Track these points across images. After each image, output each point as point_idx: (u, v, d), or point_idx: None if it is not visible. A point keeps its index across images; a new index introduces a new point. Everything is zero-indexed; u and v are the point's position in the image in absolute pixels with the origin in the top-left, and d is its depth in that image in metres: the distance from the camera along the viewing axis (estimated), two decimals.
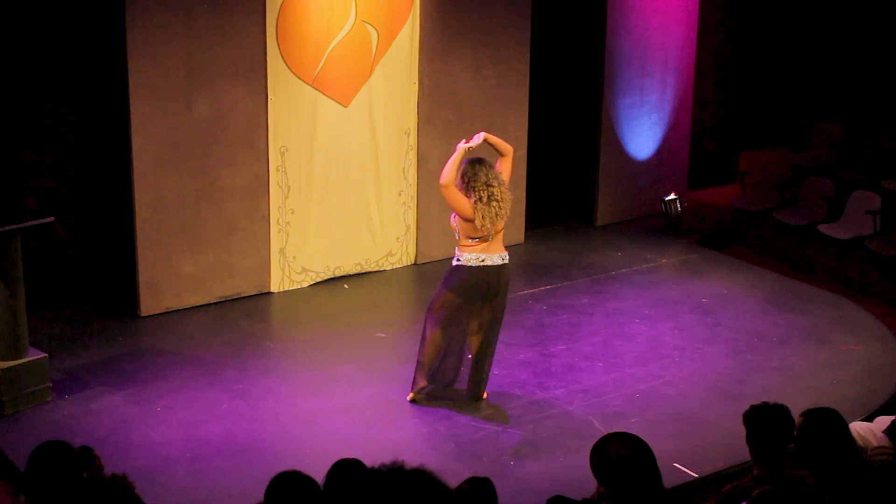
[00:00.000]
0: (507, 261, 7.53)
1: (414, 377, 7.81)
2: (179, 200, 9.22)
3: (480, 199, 7.26)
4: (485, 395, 7.86)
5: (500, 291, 7.54)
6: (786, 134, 13.16)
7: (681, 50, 12.06)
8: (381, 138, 10.11)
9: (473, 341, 7.69)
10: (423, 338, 7.68)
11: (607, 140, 11.79)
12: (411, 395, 7.81)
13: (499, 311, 7.63)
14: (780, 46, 13.36)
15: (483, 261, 7.40)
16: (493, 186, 7.29)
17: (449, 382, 7.84)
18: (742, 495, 4.56)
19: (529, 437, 7.38)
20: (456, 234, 7.51)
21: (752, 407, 4.72)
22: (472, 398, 7.80)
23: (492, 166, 7.42)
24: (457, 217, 7.40)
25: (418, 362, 7.75)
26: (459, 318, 7.58)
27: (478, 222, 7.29)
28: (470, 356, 7.76)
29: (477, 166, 7.35)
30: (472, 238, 7.38)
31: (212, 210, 9.41)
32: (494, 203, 7.28)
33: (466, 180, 7.32)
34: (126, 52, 8.73)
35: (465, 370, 7.83)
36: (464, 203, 7.30)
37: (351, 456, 4.56)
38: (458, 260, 7.46)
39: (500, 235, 7.47)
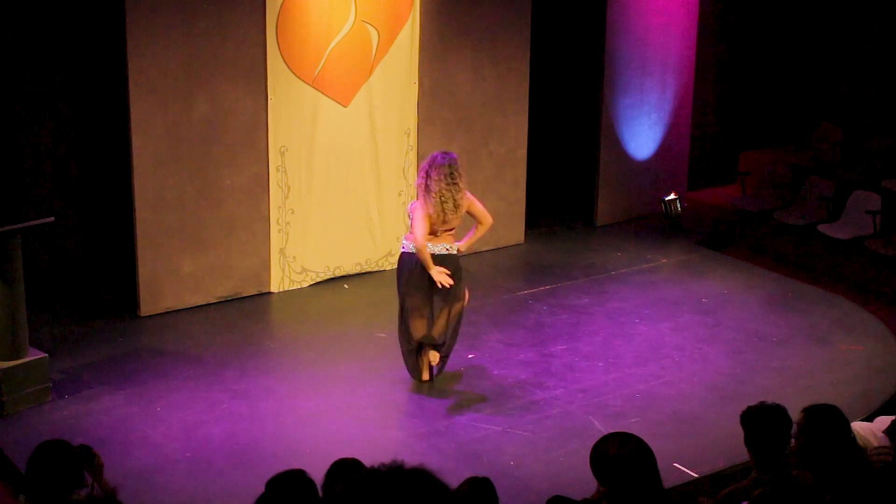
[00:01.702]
0: (451, 251, 7.76)
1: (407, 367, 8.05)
2: (179, 200, 9.22)
3: (429, 190, 7.55)
4: (434, 360, 7.97)
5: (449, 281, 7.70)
6: (786, 134, 13.16)
7: (681, 50, 12.06)
8: (381, 138, 10.11)
9: (431, 327, 7.82)
10: (399, 329, 7.96)
11: (607, 140, 11.79)
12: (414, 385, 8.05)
13: (452, 301, 7.80)
14: (781, 46, 13.36)
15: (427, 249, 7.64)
16: (440, 181, 7.54)
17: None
18: (741, 497, 4.56)
19: (529, 437, 7.39)
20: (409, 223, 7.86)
21: (750, 408, 4.71)
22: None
23: (450, 165, 7.61)
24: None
25: (403, 352, 8.01)
26: (412, 303, 7.77)
27: (430, 210, 7.56)
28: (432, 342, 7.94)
29: (436, 164, 7.60)
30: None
31: (212, 210, 9.41)
32: (435, 196, 7.53)
33: (424, 174, 7.64)
34: (126, 52, 8.73)
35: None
36: (420, 220, 7.58)
37: (351, 456, 4.56)
38: (403, 247, 7.82)
39: (452, 232, 7.73)
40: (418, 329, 7.81)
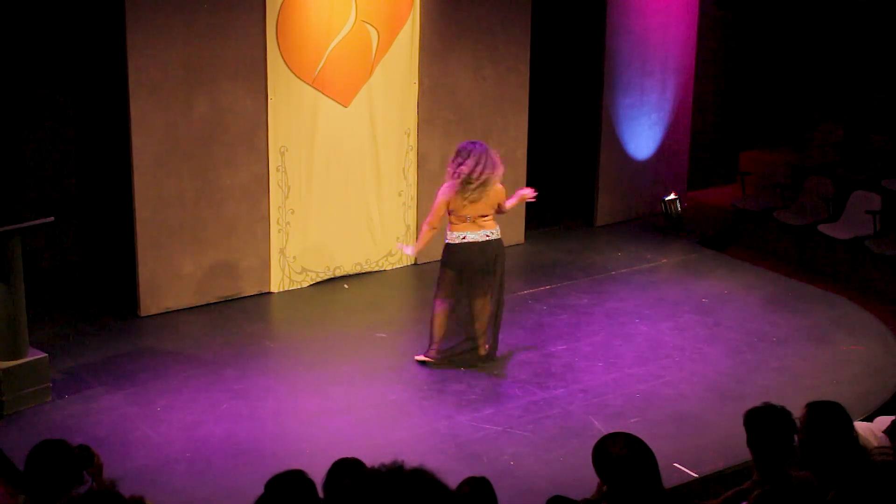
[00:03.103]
0: (493, 237, 8.15)
1: (428, 346, 8.38)
2: (179, 200, 9.22)
3: (463, 180, 7.93)
4: (496, 355, 8.46)
5: (490, 264, 8.16)
6: (786, 134, 13.16)
7: (681, 50, 12.06)
8: (381, 138, 10.11)
9: (477, 310, 8.29)
10: (432, 314, 8.33)
11: (607, 140, 11.79)
12: (422, 357, 8.37)
13: (496, 283, 8.23)
14: (780, 46, 13.36)
15: (465, 238, 8.09)
16: (473, 168, 7.91)
17: (462, 351, 8.44)
18: (741, 498, 4.56)
19: (529, 437, 7.38)
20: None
21: (753, 409, 4.70)
22: (486, 359, 8.42)
23: (481, 153, 7.96)
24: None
25: (430, 334, 8.35)
26: (458, 292, 8.24)
27: (459, 201, 7.98)
28: (476, 324, 8.38)
29: (467, 150, 7.98)
30: (456, 215, 8.07)
31: (212, 210, 9.41)
32: (475, 182, 7.90)
33: (457, 162, 7.98)
34: (126, 51, 8.73)
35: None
36: (440, 207, 8.05)
37: (351, 456, 4.56)
38: (447, 239, 8.19)
39: (488, 219, 8.11)
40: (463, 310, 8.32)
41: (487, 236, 8.12)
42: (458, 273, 8.19)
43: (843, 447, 4.55)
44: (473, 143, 8.10)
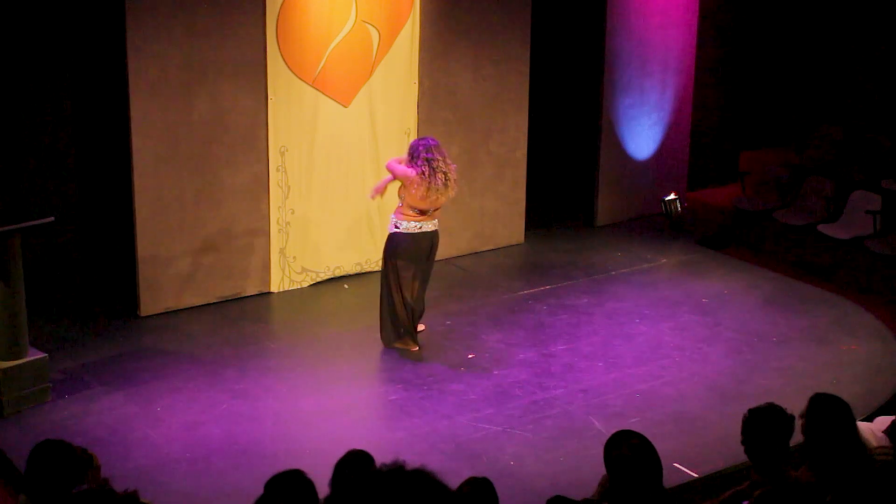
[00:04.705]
0: (437, 227, 8.49)
1: (386, 332, 8.66)
2: (179, 200, 9.22)
3: (423, 173, 8.03)
4: (421, 328, 8.81)
5: (432, 254, 8.56)
6: (786, 134, 13.15)
7: (681, 50, 12.06)
8: (381, 138, 10.11)
9: (419, 296, 8.61)
10: (392, 306, 8.53)
11: (607, 140, 11.79)
12: (414, 347, 8.64)
13: (429, 268, 8.62)
14: (781, 46, 13.36)
15: (420, 228, 8.36)
16: (436, 160, 8.11)
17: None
18: (742, 498, 4.56)
19: (529, 437, 7.39)
20: (400, 202, 8.39)
21: (749, 411, 4.70)
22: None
23: (437, 148, 8.24)
24: (403, 190, 8.31)
25: (393, 324, 8.56)
26: (404, 276, 8.46)
27: (422, 192, 8.12)
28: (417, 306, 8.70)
29: (421, 145, 8.23)
30: (414, 209, 8.29)
31: (212, 210, 9.41)
32: (440, 175, 8.16)
33: (411, 155, 8.21)
34: (126, 52, 8.73)
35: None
36: (409, 174, 8.18)
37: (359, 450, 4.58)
38: (397, 227, 8.40)
39: (438, 211, 8.43)
40: (408, 296, 8.51)
41: (435, 226, 8.45)
42: (410, 261, 8.40)
43: (845, 439, 4.57)
44: (428, 138, 8.36)
